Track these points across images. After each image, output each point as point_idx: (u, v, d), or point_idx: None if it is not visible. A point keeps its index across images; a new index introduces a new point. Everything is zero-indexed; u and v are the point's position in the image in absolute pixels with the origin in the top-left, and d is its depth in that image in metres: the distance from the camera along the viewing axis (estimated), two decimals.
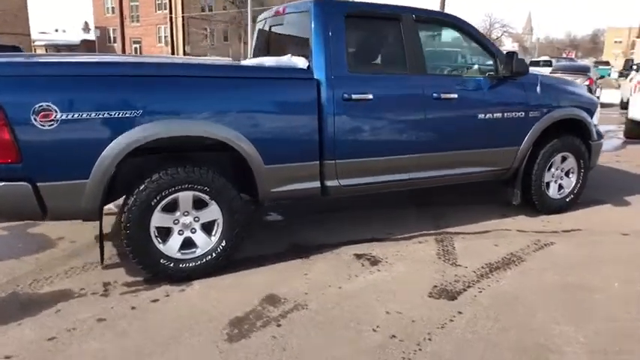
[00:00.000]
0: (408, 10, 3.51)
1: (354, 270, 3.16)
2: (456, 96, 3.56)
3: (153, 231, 2.84)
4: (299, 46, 3.46)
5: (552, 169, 4.22)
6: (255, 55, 4.28)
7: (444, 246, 3.58)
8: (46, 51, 35.19)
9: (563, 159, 4.25)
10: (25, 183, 2.53)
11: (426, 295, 2.85)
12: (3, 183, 2.50)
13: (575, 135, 4.25)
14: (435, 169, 3.68)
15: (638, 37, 32.42)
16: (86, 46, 37.77)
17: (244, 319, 2.57)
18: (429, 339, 2.40)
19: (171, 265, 2.90)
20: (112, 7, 37.64)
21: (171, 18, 31.11)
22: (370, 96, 3.24)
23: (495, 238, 3.77)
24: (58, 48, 36.35)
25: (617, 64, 42.78)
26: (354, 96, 3.19)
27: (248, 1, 20.76)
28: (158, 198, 2.79)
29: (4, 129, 2.43)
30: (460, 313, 2.66)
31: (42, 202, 2.58)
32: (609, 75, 30.65)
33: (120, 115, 2.61)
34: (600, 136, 4.53)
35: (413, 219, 4.15)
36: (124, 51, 29.07)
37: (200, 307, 2.68)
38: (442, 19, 3.68)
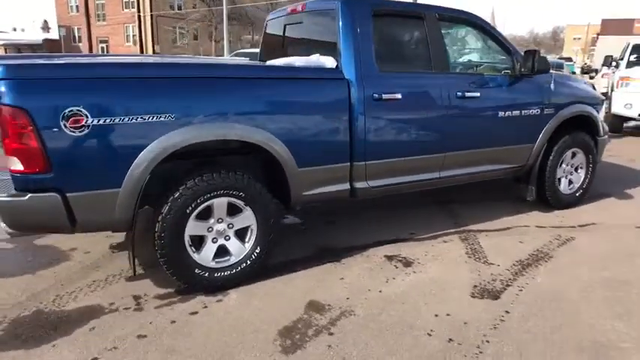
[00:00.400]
0: (431, 9, 3.49)
1: (389, 272, 3.10)
2: (478, 94, 3.55)
3: (187, 240, 2.71)
4: (321, 44, 3.38)
5: (563, 165, 4.28)
6: (266, 56, 4.16)
7: (470, 244, 3.57)
8: (6, 51, 33.72)
9: (573, 155, 4.32)
10: (54, 194, 2.36)
11: (469, 296, 2.82)
12: (30, 195, 2.33)
13: (583, 131, 4.32)
14: (458, 167, 3.67)
15: (598, 34, 33.68)
16: (49, 45, 36.22)
17: (293, 328, 2.47)
18: (487, 341, 2.37)
19: (206, 274, 2.78)
20: (77, 6, 36.39)
21: (139, 16, 30.28)
22: (399, 95, 3.19)
23: (517, 234, 3.79)
24: (19, 48, 34.85)
25: (578, 61, 44.40)
26: (384, 96, 3.13)
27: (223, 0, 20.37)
28: (193, 205, 2.66)
29: (31, 136, 2.26)
30: (507, 312, 2.64)
31: (71, 213, 2.42)
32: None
33: (154, 119, 2.47)
34: (605, 131, 4.63)
35: (430, 218, 4.13)
36: (90, 50, 28.18)
37: (243, 317, 2.57)
38: (463, 18, 3.66)
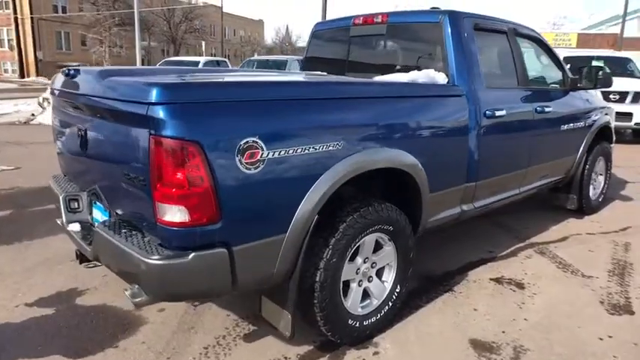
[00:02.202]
0: (510, 24, 3.46)
1: (512, 297, 2.98)
2: (551, 109, 3.59)
3: (341, 287, 2.31)
4: (418, 59, 3.16)
5: (592, 174, 4.53)
6: (309, 69, 3.80)
7: (551, 258, 3.59)
8: None
9: (598, 162, 4.60)
10: (222, 249, 1.84)
11: (607, 313, 2.81)
12: (193, 253, 1.79)
13: (603, 140, 4.62)
14: (533, 181, 3.69)
15: None
16: None
17: None
18: None
19: (357, 324, 2.40)
20: None
21: (16, 19, 26.67)
22: (504, 112, 3.09)
23: (579, 243, 3.90)
24: None
25: None
26: (496, 112, 3.01)
27: (134, 2, 18.70)
28: (352, 246, 2.28)
29: (203, 177, 1.74)
30: None
31: (234, 271, 1.91)
32: None
33: (325, 148, 2.06)
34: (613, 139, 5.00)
35: (489, 233, 4.09)
36: None
37: None
38: (529, 34, 3.69)
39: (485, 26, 3.17)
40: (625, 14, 21.54)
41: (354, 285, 2.42)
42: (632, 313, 2.81)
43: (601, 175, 4.73)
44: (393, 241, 2.51)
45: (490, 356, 2.37)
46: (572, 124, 3.94)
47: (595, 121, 4.28)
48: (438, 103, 2.74)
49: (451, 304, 2.88)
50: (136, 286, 1.91)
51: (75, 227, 2.40)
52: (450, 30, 2.93)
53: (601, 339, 2.54)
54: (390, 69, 3.20)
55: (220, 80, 2.17)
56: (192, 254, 1.78)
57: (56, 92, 2.51)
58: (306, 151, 2.00)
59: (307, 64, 3.93)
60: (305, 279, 2.17)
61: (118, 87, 1.89)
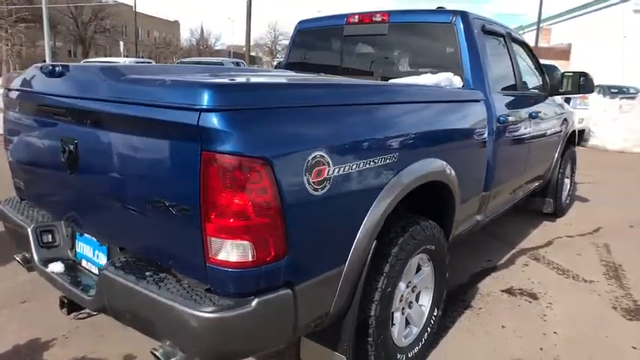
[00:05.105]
0: (506, 27, 3.39)
1: (532, 310, 2.87)
2: (540, 114, 3.58)
3: (390, 319, 2.03)
4: (425, 61, 2.97)
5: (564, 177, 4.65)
6: (300, 71, 3.48)
7: (548, 264, 3.58)
8: None
9: (567, 166, 4.73)
10: (287, 290, 1.49)
11: (625, 319, 2.79)
12: (257, 299, 1.41)
13: (570, 143, 4.76)
14: (525, 187, 3.67)
15: None
16: None
17: None
18: None
19: (404, 358, 2.12)
20: None
21: None
22: (513, 117, 3.00)
23: (565, 247, 3.95)
24: None
25: None
26: (509, 118, 2.89)
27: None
28: (403, 272, 2.00)
29: (272, 203, 1.37)
30: None
31: (297, 315, 1.56)
32: None
33: (384, 161, 1.78)
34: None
35: (480, 240, 3.99)
36: None
37: None
38: (518, 38, 3.65)
39: (490, 29, 3.06)
40: (539, 22, 23.33)
41: (397, 314, 2.13)
42: None
43: (567, 178, 4.88)
44: (432, 260, 2.27)
45: None
46: (553, 129, 3.99)
47: (567, 125, 4.39)
48: (468, 109, 2.55)
49: (476, 323, 2.70)
50: (168, 343, 1.50)
51: (57, 268, 1.89)
52: (463, 31, 2.77)
53: (634, 347, 2.49)
54: (392, 73, 2.99)
55: (285, 81, 1.80)
56: (256, 300, 1.41)
57: (25, 95, 1.96)
58: (368, 165, 1.70)
59: (290, 69, 3.59)
60: (361, 314, 1.86)
61: (151, 89, 1.44)
